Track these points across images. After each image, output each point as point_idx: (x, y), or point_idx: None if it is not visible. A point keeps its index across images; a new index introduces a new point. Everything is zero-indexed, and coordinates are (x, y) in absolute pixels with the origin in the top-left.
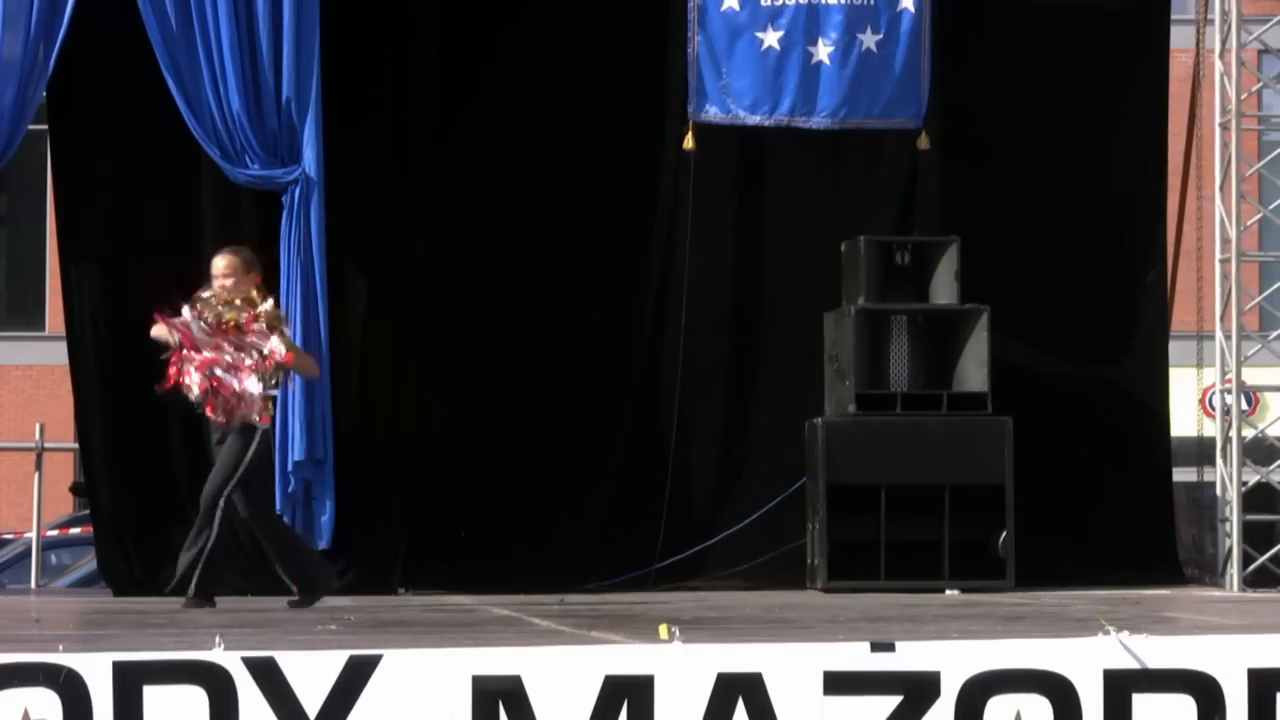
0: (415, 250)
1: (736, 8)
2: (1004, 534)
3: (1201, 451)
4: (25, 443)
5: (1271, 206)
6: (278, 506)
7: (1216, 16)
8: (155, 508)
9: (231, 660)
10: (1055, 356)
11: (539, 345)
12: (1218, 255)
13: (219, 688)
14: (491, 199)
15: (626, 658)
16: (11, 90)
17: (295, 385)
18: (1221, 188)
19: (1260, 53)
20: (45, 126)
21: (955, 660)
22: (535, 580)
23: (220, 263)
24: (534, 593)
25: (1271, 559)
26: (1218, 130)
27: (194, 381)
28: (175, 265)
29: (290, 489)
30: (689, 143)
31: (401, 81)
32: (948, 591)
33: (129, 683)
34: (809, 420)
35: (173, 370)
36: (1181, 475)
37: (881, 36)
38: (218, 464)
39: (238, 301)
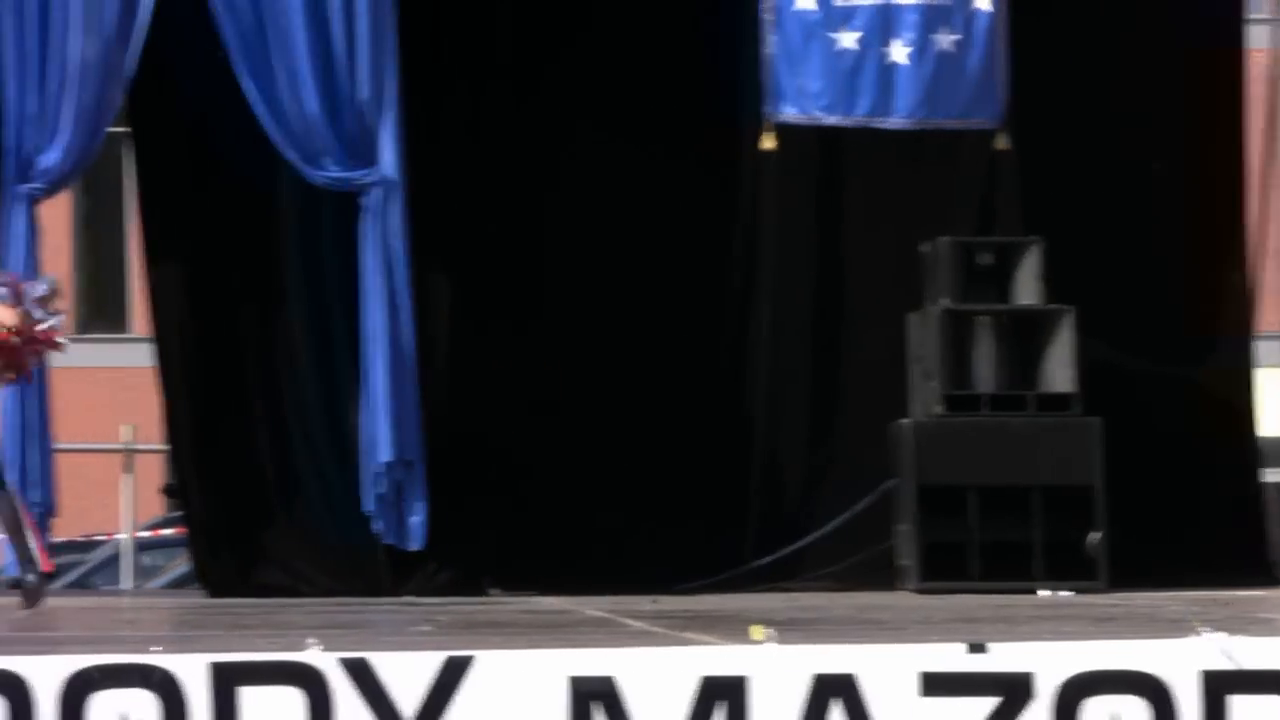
0: (497, 251)
1: (811, 8)
2: (1095, 535)
3: None
4: (113, 444)
5: None
6: (368, 508)
7: None
8: (246, 509)
9: (327, 661)
10: (1141, 356)
11: (623, 347)
12: None
13: (315, 689)
14: (571, 200)
15: (721, 659)
16: (91, 93)
17: (383, 387)
18: None
19: None
20: (126, 129)
21: (1050, 662)
22: (628, 581)
23: None
24: (626, 594)
25: None
26: None
27: None
28: (256, 266)
29: (381, 491)
30: (768, 143)
31: (479, 81)
32: (1040, 593)
33: (225, 684)
34: (894, 421)
35: None
36: (1273, 476)
37: (958, 37)
38: None
39: None
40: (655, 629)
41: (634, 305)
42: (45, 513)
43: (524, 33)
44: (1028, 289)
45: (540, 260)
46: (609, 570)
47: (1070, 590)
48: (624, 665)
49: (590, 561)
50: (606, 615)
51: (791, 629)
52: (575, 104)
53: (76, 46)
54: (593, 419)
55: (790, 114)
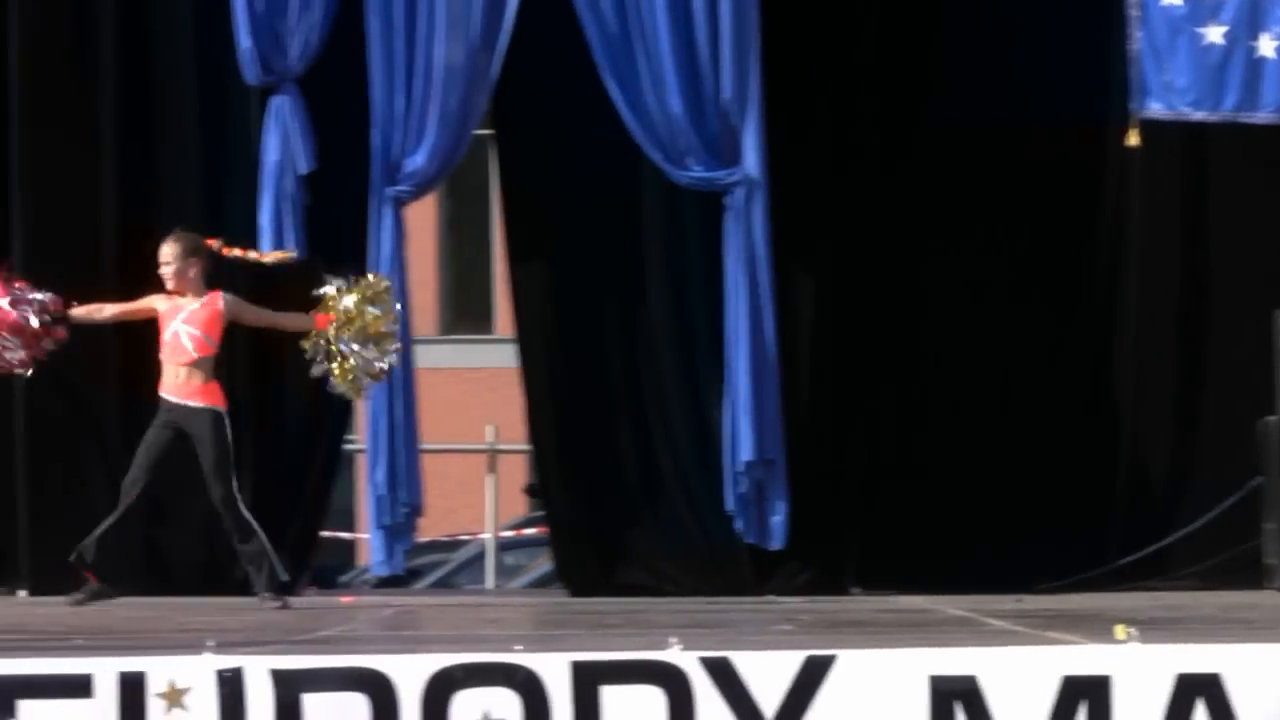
0: (858, 249)
1: (1178, 3)
2: None
3: None
4: (478, 444)
5: None
6: (729, 507)
7: None
8: (609, 508)
9: (688, 660)
10: None
11: (984, 342)
12: None
13: (676, 688)
14: (932, 196)
15: (1084, 658)
16: (456, 97)
17: (745, 386)
18: None
19: None
20: (490, 131)
21: None
22: (991, 580)
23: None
24: (989, 593)
25: None
26: None
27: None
28: (620, 267)
29: (741, 490)
30: (1133, 139)
31: (843, 80)
32: None
33: (587, 683)
34: (1261, 419)
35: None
36: None
37: None
38: (210, 464)
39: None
40: (1017, 628)
41: (995, 301)
42: (412, 513)
43: (887, 30)
44: None
45: (901, 258)
46: (972, 569)
47: None
48: (986, 664)
49: (953, 560)
50: (969, 614)
51: (1155, 628)
52: (937, 100)
53: (442, 51)
54: (955, 416)
55: (1156, 110)
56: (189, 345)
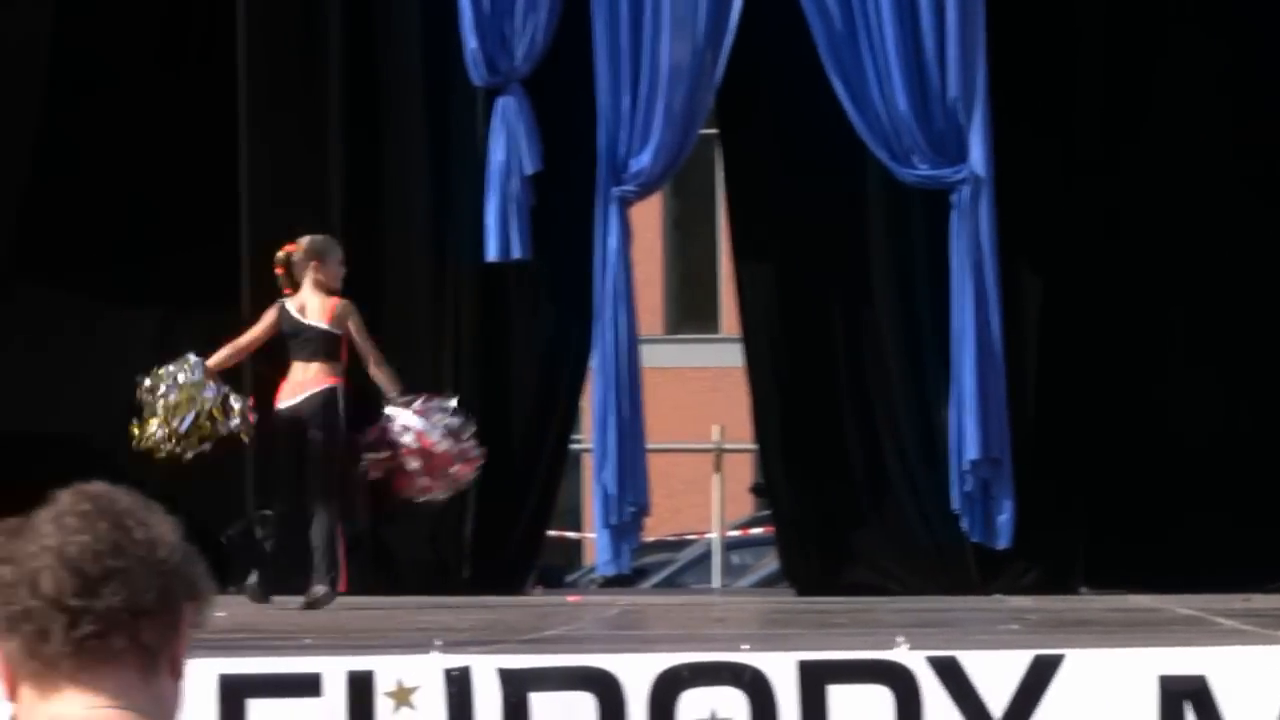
0: (1088, 248)
1: None
2: None
3: None
4: (703, 444)
5: None
6: (955, 506)
7: None
8: (835, 507)
9: (915, 660)
10: None
11: (1215, 340)
12: None
13: (903, 687)
14: (1159, 192)
15: None
16: (681, 95)
17: (970, 385)
18: None
19: None
20: (715, 130)
21: None
22: (1220, 579)
23: None
24: (1219, 592)
25: None
26: None
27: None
28: (845, 265)
29: (967, 488)
30: None
31: (1069, 76)
32: None
33: (814, 682)
34: None
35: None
36: None
37: None
38: None
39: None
40: (1247, 627)
41: (1224, 298)
42: (638, 512)
43: (1113, 25)
44: None
45: (1127, 255)
46: (1201, 567)
47: None
48: (1215, 664)
49: (1182, 559)
50: (1198, 614)
51: None
52: (1164, 96)
53: (668, 50)
54: (1186, 415)
55: None
56: None
